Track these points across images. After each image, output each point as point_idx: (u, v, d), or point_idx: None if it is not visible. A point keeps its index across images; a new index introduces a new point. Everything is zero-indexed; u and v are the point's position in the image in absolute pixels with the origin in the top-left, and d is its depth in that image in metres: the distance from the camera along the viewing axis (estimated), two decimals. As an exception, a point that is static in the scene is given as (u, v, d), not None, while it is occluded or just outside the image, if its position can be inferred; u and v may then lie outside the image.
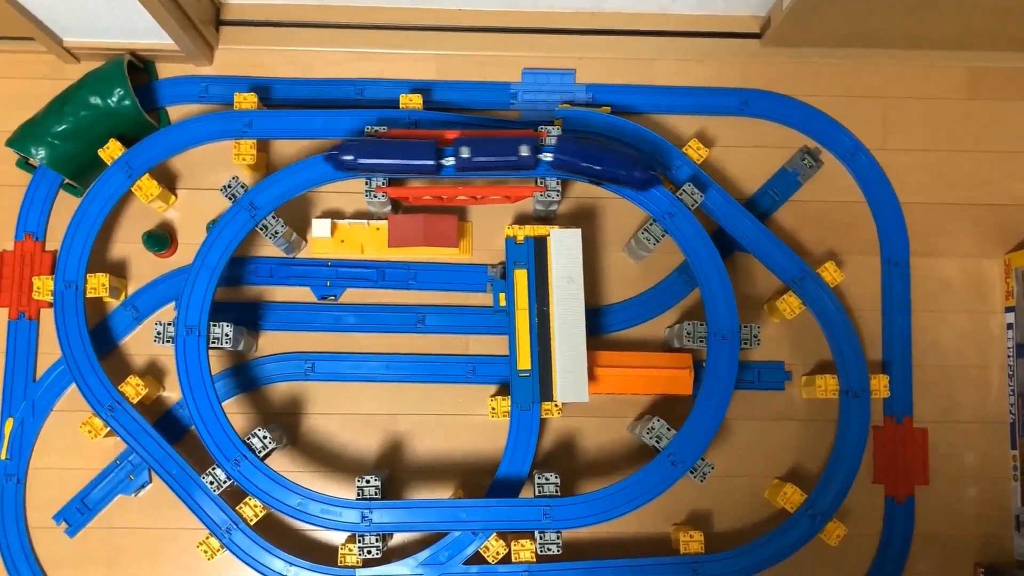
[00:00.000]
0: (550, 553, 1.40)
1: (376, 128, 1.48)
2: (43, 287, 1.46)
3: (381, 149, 1.41)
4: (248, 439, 1.40)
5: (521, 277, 1.47)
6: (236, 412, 1.53)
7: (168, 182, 1.58)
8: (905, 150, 1.65)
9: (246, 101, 1.51)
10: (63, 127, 1.49)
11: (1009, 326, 1.60)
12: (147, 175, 1.49)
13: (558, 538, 1.39)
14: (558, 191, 1.48)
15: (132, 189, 1.49)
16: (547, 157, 1.44)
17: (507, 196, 1.52)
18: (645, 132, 1.54)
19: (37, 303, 1.54)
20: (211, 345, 1.41)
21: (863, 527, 1.55)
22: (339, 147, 1.43)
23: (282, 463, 1.52)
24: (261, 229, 1.45)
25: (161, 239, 1.53)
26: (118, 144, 1.49)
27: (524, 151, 1.40)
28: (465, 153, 1.41)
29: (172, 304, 1.55)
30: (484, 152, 1.41)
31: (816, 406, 1.58)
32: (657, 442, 1.43)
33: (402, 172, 1.44)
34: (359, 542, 1.39)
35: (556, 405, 1.45)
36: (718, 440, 1.51)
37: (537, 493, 1.41)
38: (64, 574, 1.51)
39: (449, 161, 1.43)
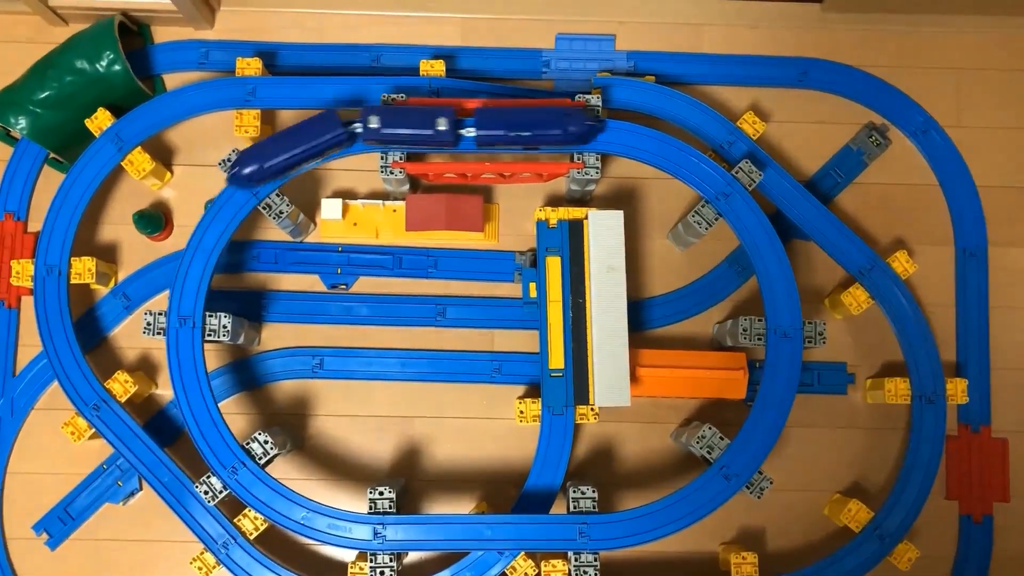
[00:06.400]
0: (585, 576, 1.26)
1: (394, 96, 1.34)
2: (23, 272, 1.35)
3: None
4: (248, 444, 1.29)
5: (554, 265, 1.35)
6: (235, 413, 1.43)
7: (163, 157, 1.48)
8: (982, 128, 1.52)
9: (249, 67, 1.40)
10: (46, 94, 1.37)
11: (1100, 325, 1.45)
12: (139, 148, 1.38)
13: (596, 560, 1.26)
14: (597, 168, 1.35)
15: (123, 164, 1.38)
16: (470, 133, 1.30)
17: (539, 174, 1.39)
18: (694, 104, 1.40)
19: (17, 290, 1.43)
20: (207, 338, 1.31)
21: (935, 549, 1.41)
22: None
23: (286, 470, 1.42)
24: (264, 209, 1.33)
25: (155, 220, 1.43)
26: (107, 114, 1.38)
27: (442, 124, 1.26)
28: (374, 123, 1.27)
29: (167, 292, 1.42)
30: (395, 124, 1.28)
31: (882, 413, 1.44)
32: (708, 452, 1.28)
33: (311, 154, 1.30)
34: (371, 561, 1.27)
35: (592, 409, 1.32)
36: (772, 450, 1.37)
37: (571, 508, 1.28)
38: (44, 590, 1.40)
39: (357, 128, 1.29)
